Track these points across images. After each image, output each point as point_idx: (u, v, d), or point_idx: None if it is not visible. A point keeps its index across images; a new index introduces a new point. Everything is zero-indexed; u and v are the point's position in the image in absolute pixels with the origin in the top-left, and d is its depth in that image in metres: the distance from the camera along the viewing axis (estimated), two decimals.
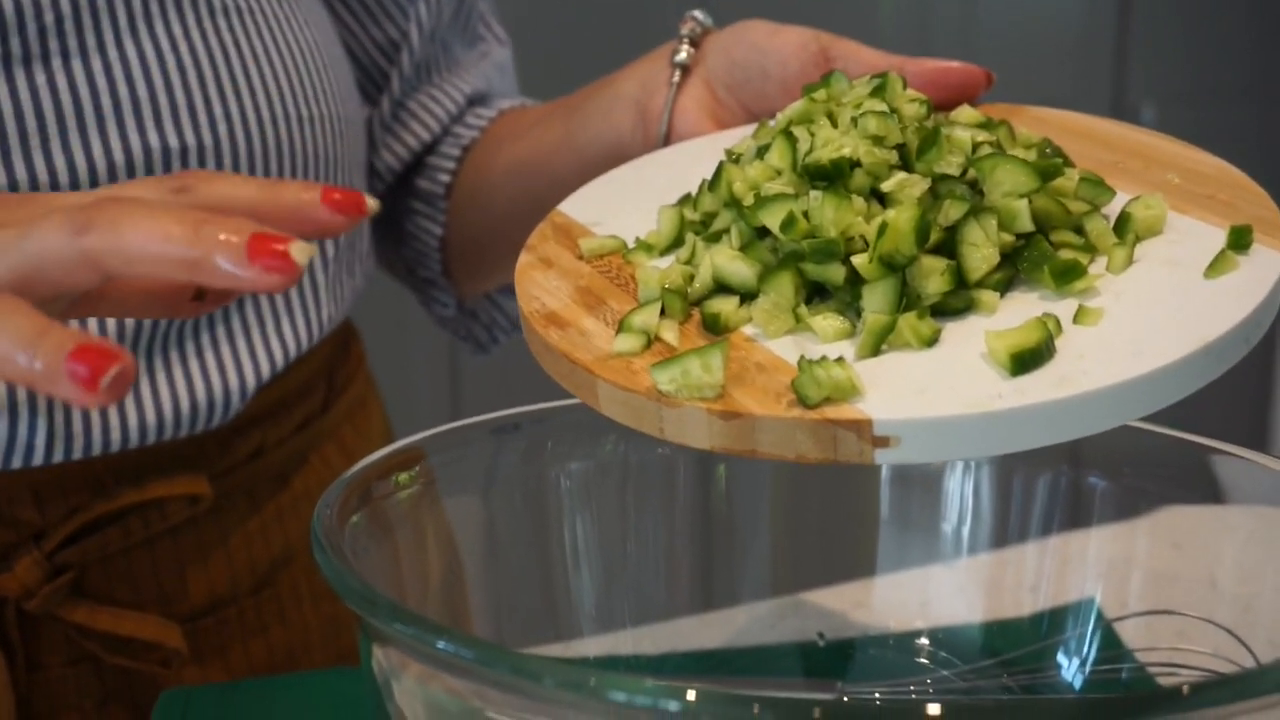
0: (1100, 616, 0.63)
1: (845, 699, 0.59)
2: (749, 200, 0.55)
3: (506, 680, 0.42)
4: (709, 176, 0.59)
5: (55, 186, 0.65)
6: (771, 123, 0.63)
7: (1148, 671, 0.61)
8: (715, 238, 0.56)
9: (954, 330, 0.51)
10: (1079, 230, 0.54)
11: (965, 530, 0.66)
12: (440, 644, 0.43)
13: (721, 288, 0.54)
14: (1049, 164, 0.54)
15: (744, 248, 0.55)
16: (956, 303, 0.52)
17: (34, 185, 0.65)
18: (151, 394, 0.71)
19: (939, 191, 0.53)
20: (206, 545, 0.75)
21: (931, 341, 0.51)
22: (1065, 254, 0.53)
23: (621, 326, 0.53)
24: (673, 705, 0.40)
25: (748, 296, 0.54)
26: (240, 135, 0.70)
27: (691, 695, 0.40)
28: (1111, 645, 0.62)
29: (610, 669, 0.62)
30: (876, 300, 0.51)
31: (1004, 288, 0.53)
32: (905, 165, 0.56)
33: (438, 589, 0.58)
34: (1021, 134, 0.59)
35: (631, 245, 0.58)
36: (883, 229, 0.51)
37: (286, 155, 0.72)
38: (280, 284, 0.46)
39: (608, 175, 0.66)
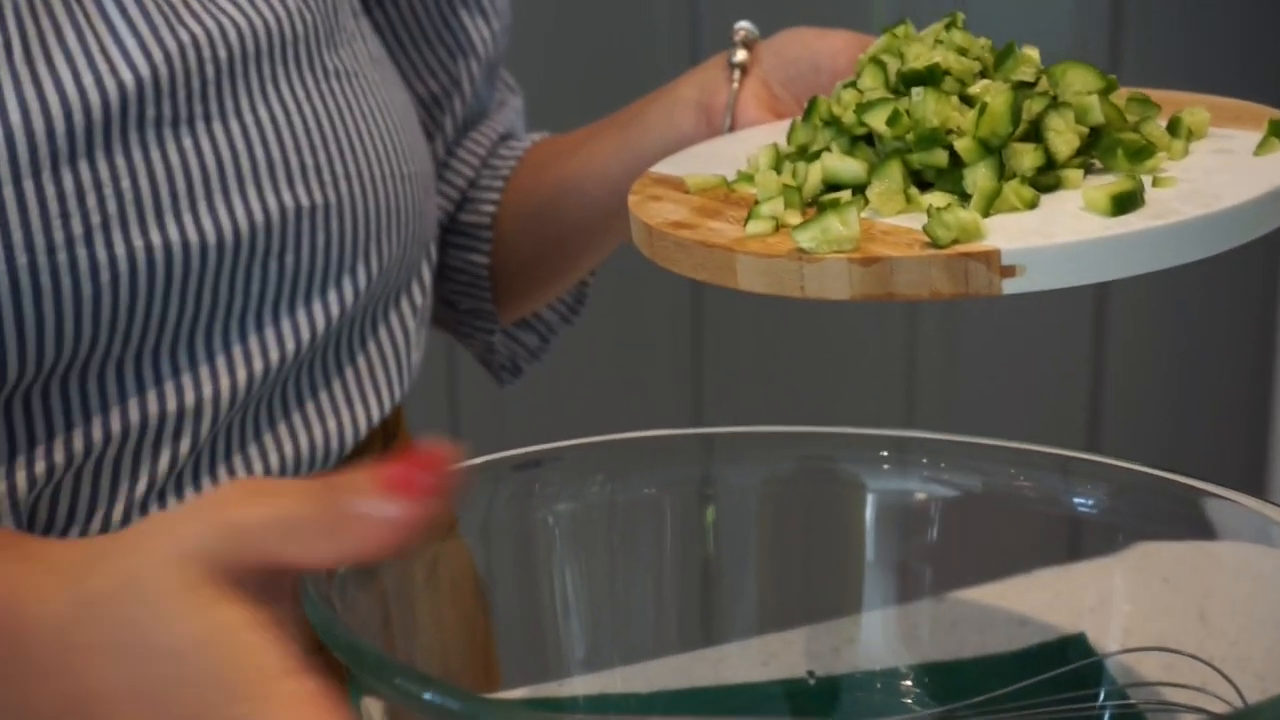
0: (1090, 652, 0.63)
1: None
2: (849, 115, 0.62)
3: None
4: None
5: (204, 248, 0.67)
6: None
7: (1138, 709, 0.61)
8: (814, 158, 0.62)
9: (1048, 200, 0.59)
10: (1137, 132, 0.62)
11: (954, 566, 0.66)
12: (427, 695, 0.43)
13: (830, 189, 0.61)
14: (1108, 79, 0.62)
15: (848, 154, 0.61)
16: (1046, 180, 0.59)
17: (185, 248, 0.67)
18: (259, 452, 0.73)
19: (1017, 97, 0.60)
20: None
21: (1033, 204, 0.58)
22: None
23: (750, 215, 0.59)
24: None
25: (857, 192, 0.60)
26: (358, 193, 0.73)
27: None
28: (1101, 681, 0.63)
29: (600, 709, 0.62)
30: (982, 176, 0.58)
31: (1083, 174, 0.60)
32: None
33: (426, 634, 0.58)
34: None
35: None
36: (982, 110, 0.59)
37: (395, 211, 0.75)
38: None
39: (689, 150, 0.73)
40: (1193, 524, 0.61)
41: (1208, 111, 0.64)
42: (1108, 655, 0.63)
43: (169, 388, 0.69)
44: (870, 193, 0.59)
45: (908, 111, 0.60)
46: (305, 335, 0.72)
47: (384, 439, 0.82)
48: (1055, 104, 0.60)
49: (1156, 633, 0.63)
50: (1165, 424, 2.01)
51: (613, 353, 1.75)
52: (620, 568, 0.64)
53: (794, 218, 0.59)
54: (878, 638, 0.66)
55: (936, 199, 0.58)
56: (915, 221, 0.57)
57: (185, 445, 0.69)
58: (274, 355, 0.71)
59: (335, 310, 0.73)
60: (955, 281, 0.54)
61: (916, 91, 0.61)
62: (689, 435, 0.65)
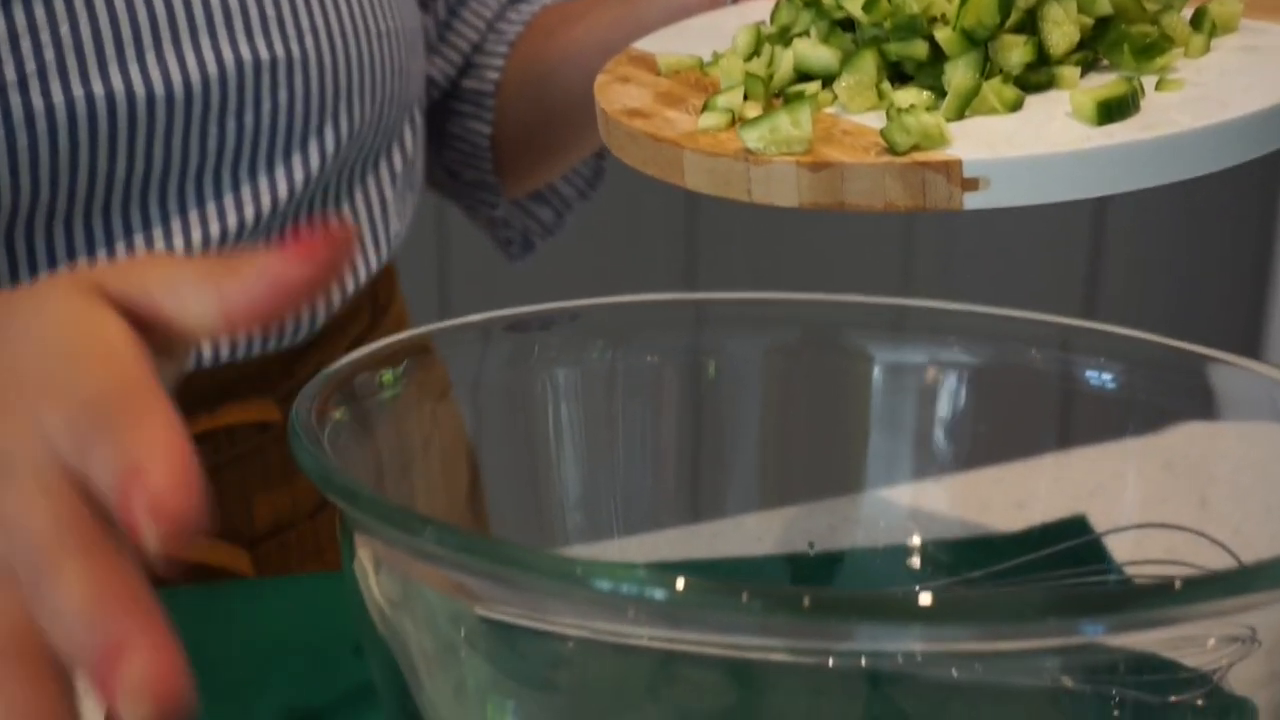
0: (1090, 531, 0.63)
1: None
2: None
3: (492, 571, 0.42)
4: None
5: (152, 100, 0.65)
6: None
7: (1136, 584, 0.61)
8: (791, 43, 0.57)
9: (1036, 101, 0.53)
10: (1154, 25, 0.56)
11: (956, 445, 0.65)
12: (425, 534, 0.42)
13: (802, 79, 0.56)
14: None
15: (825, 40, 0.56)
16: (1038, 78, 0.54)
17: (131, 99, 0.64)
18: None
19: None
20: (270, 471, 0.75)
21: (1016, 106, 0.53)
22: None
23: (706, 106, 0.54)
24: (659, 594, 0.39)
25: (829, 83, 0.55)
26: (325, 48, 0.70)
27: (680, 584, 0.40)
28: (1100, 559, 0.62)
29: None
30: (960, 73, 0.53)
31: (1083, 71, 0.55)
32: None
33: (421, 496, 0.58)
34: None
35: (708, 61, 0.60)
36: None
37: (368, 70, 0.72)
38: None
39: (679, 24, 0.68)
40: (1197, 396, 0.60)
41: (1241, 3, 0.58)
42: (1106, 533, 0.63)
43: (120, 249, 0.67)
44: (837, 86, 0.54)
45: None
46: (267, 201, 0.70)
47: (373, 311, 0.81)
48: None
49: (1158, 517, 0.62)
50: (1164, 294, 2.00)
51: (606, 218, 1.73)
52: (618, 436, 0.63)
53: (753, 111, 0.54)
54: (879, 513, 0.66)
55: (906, 97, 0.53)
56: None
57: None
58: (232, 220, 0.69)
59: (300, 175, 0.71)
60: (912, 193, 0.49)
61: None
62: (691, 300, 0.64)
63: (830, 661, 0.44)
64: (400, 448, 0.56)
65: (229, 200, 0.69)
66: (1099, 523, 0.63)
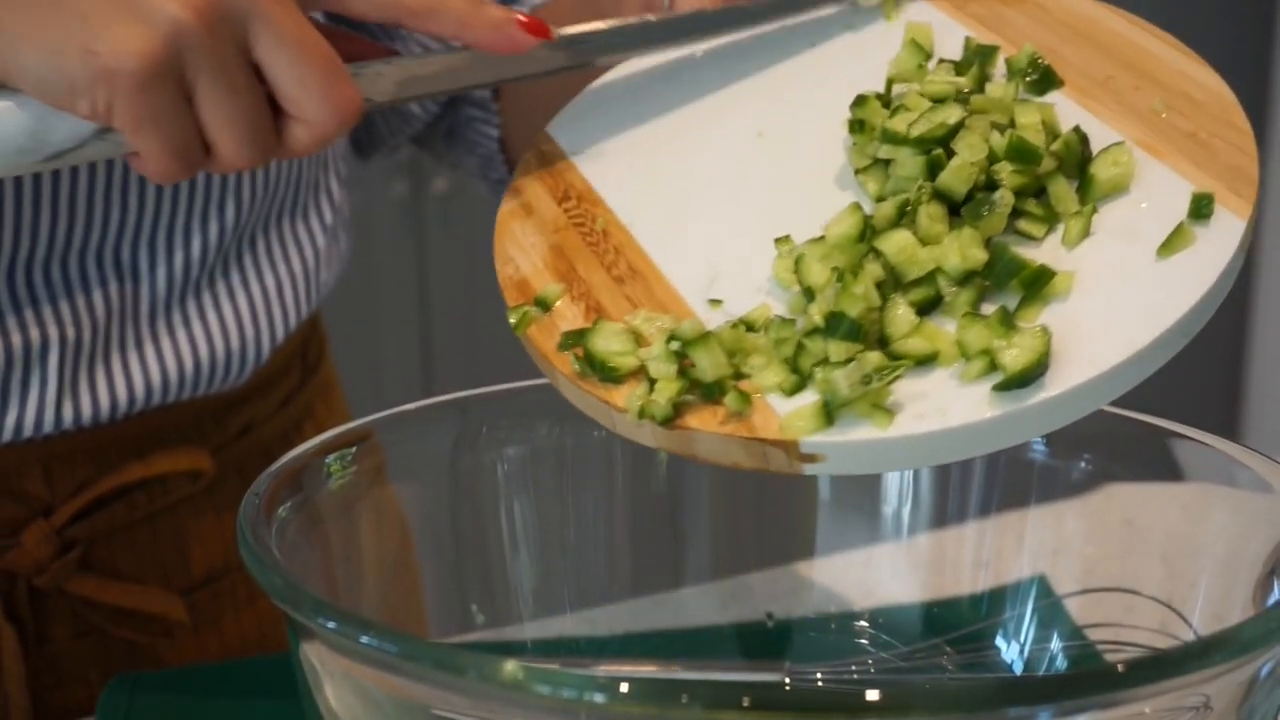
0: (1049, 593, 0.63)
1: (787, 682, 0.58)
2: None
3: (431, 675, 0.41)
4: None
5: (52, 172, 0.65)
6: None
7: (1094, 649, 0.61)
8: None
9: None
10: (1039, 198, 0.54)
11: (912, 509, 0.65)
12: (364, 639, 0.42)
13: None
14: (1030, 148, 0.53)
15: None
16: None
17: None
18: (155, 356, 0.71)
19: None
20: (203, 519, 0.76)
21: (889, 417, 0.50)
22: (1024, 225, 0.53)
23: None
24: (598, 697, 0.39)
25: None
26: None
27: (624, 687, 0.40)
28: (1059, 622, 0.62)
29: (552, 652, 0.62)
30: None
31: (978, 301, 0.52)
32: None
33: (373, 579, 0.57)
34: (1012, 58, 0.57)
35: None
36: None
37: None
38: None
39: (600, 84, 0.65)
40: (1157, 465, 0.60)
41: (1133, 159, 0.53)
42: (1066, 596, 0.62)
43: (46, 311, 0.67)
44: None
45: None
46: (197, 249, 0.71)
47: (303, 369, 0.80)
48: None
49: (1118, 575, 0.62)
50: None
51: None
52: (570, 512, 0.63)
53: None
54: (836, 581, 0.65)
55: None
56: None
57: (53, 360, 0.69)
58: (162, 276, 0.70)
59: (231, 217, 0.71)
60: (755, 460, 0.50)
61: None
62: None
63: None
64: (348, 537, 0.55)
65: (156, 257, 0.70)
66: (1060, 579, 0.63)
